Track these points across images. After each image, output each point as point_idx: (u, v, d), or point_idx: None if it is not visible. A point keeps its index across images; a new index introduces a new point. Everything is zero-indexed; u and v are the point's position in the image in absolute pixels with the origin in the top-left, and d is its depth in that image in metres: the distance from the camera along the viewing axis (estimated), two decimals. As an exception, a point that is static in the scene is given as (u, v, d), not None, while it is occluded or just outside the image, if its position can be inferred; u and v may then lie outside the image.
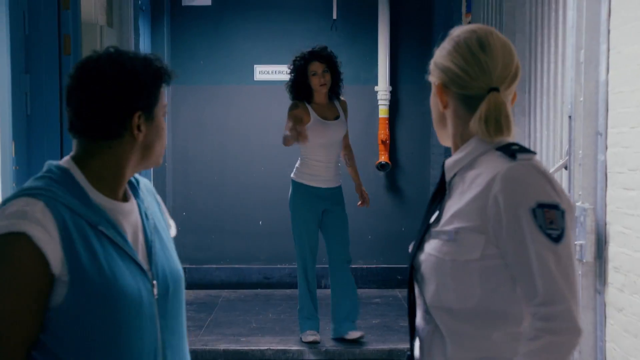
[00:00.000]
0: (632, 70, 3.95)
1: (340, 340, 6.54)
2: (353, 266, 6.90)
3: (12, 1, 4.71)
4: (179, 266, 2.26)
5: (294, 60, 6.51)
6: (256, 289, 8.78)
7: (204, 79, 8.84)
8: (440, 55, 2.19)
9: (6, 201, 2.03)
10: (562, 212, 2.00)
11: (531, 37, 5.49)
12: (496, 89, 2.10)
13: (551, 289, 1.96)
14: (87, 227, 2.05)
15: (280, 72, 8.70)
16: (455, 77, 2.14)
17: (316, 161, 6.46)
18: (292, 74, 6.53)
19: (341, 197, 6.59)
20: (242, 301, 8.25)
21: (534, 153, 2.10)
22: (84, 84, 2.08)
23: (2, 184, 4.47)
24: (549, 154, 5.14)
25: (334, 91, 6.56)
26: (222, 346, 6.47)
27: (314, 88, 6.45)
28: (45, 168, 2.12)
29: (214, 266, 8.89)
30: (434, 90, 2.21)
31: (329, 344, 6.51)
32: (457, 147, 2.19)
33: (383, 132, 8.62)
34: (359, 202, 6.77)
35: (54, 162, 2.14)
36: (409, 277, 2.20)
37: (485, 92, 2.11)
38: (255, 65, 8.84)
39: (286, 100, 8.64)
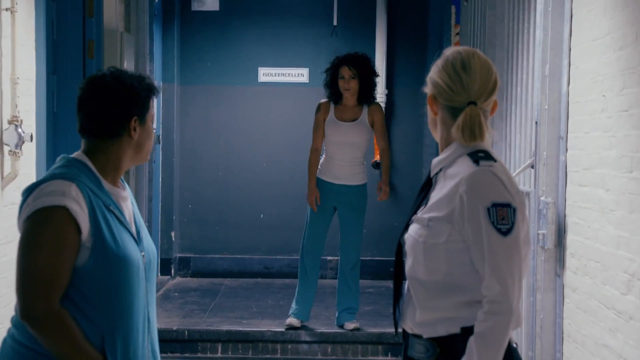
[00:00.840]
0: (587, 84, 4.28)
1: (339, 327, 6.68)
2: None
3: (45, 9, 5.04)
4: (153, 244, 2.82)
5: (331, 61, 6.60)
6: (257, 278, 8.95)
7: (211, 79, 8.98)
8: (433, 71, 2.54)
9: (41, 182, 2.51)
10: (514, 209, 2.39)
11: (508, 51, 5.66)
12: (474, 103, 2.47)
13: (495, 274, 2.37)
14: (103, 206, 2.56)
15: (282, 75, 8.94)
16: (442, 91, 2.50)
17: (331, 157, 6.54)
18: (327, 74, 6.62)
19: (357, 197, 6.57)
20: (244, 289, 8.41)
21: (495, 160, 2.46)
22: (94, 96, 2.59)
23: (37, 170, 4.85)
24: (520, 154, 5.35)
25: (364, 95, 6.54)
26: (225, 327, 6.68)
27: (340, 90, 6.52)
28: (63, 160, 2.60)
29: (218, 256, 9.05)
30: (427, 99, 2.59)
31: (324, 327, 6.68)
32: (442, 149, 2.55)
33: (379, 133, 8.87)
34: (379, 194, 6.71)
35: (69, 156, 2.62)
36: (396, 252, 2.65)
37: (465, 105, 2.47)
38: (259, 68, 9.01)
39: (288, 101, 9.06)
